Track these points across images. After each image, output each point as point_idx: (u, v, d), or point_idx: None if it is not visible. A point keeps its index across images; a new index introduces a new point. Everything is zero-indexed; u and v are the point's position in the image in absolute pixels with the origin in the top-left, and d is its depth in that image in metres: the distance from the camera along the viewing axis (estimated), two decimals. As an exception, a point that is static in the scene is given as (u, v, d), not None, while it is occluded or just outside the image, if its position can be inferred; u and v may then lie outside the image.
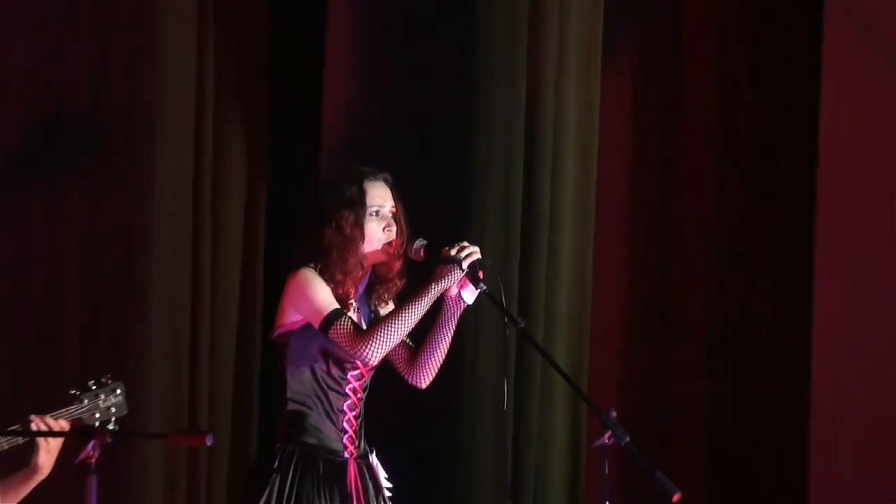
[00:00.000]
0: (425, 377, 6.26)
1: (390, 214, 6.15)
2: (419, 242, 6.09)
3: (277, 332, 6.16)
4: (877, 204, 9.15)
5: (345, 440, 6.14)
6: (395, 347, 6.12)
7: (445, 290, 6.05)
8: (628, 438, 5.58)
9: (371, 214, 6.08)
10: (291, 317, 6.11)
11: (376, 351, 5.91)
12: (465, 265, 5.89)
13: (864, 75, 9.34)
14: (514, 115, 8.84)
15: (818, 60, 9.16)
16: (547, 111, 9.09)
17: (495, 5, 8.91)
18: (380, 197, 6.18)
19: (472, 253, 5.96)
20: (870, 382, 8.99)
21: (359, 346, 5.92)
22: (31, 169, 8.63)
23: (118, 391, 5.33)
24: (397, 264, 6.16)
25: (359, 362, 6.13)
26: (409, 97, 8.81)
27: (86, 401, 5.25)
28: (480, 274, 5.97)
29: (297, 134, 8.97)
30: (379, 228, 6.09)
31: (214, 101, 8.70)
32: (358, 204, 6.12)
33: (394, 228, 6.13)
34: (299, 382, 6.12)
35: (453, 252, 5.94)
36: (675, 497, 5.43)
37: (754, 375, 9.35)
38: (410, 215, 6.40)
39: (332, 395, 6.14)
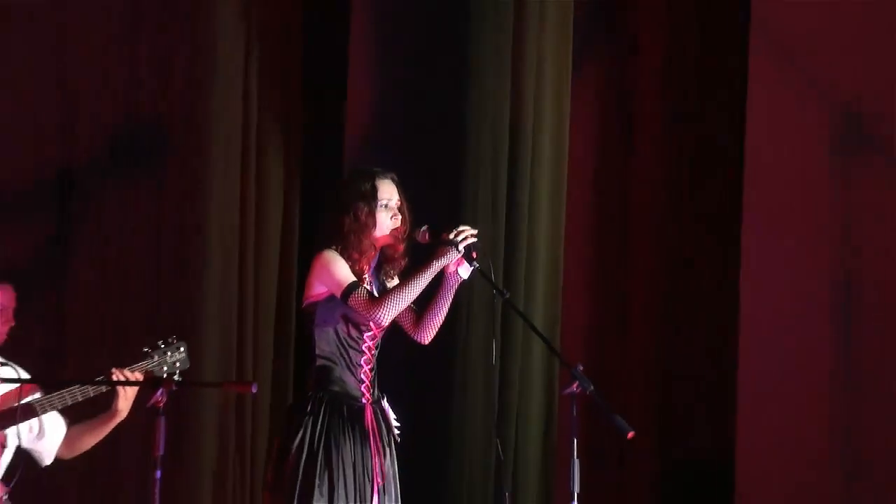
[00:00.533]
0: (427, 335, 6.47)
1: (396, 206, 6.35)
2: (424, 228, 6.26)
3: (306, 302, 6.35)
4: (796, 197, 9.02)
5: (362, 388, 6.29)
6: (403, 312, 6.35)
7: (445, 266, 6.23)
8: (592, 387, 5.76)
9: (381, 206, 6.30)
10: (317, 289, 6.27)
11: (387, 314, 6.14)
12: (461, 247, 6.06)
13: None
14: (501, 119, 9.03)
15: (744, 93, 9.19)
16: (527, 111, 9.26)
17: (483, 28, 9.05)
18: (388, 192, 6.37)
19: (469, 237, 6.12)
20: (791, 340, 8.86)
21: (373, 311, 6.13)
22: (110, 170, 9.08)
23: (181, 349, 6.12)
24: (401, 246, 6.38)
25: (372, 324, 6.24)
26: (414, 106, 9.07)
27: (156, 357, 6.01)
28: (474, 254, 6.14)
29: (325, 139, 9.29)
30: (387, 217, 6.30)
31: (257, 116, 9.13)
32: (371, 197, 6.31)
33: (399, 217, 6.35)
34: (325, 343, 6.27)
35: (451, 236, 6.12)
36: (630, 435, 5.78)
37: (691, 330, 9.38)
38: (414, 202, 6.56)
39: (351, 352, 6.28)
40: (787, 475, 8.73)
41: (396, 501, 6.45)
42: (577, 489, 5.77)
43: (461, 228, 6.15)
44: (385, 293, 6.27)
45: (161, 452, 5.30)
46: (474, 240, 6.11)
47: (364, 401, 6.27)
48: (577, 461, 5.78)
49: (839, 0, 9.22)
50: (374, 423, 6.28)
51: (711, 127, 9.66)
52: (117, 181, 9.12)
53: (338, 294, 6.13)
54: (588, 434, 7.07)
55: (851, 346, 8.87)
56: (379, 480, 6.33)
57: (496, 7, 9.22)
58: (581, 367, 6.00)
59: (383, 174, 6.47)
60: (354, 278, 6.10)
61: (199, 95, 9.05)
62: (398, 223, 6.32)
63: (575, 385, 5.83)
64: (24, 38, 9.24)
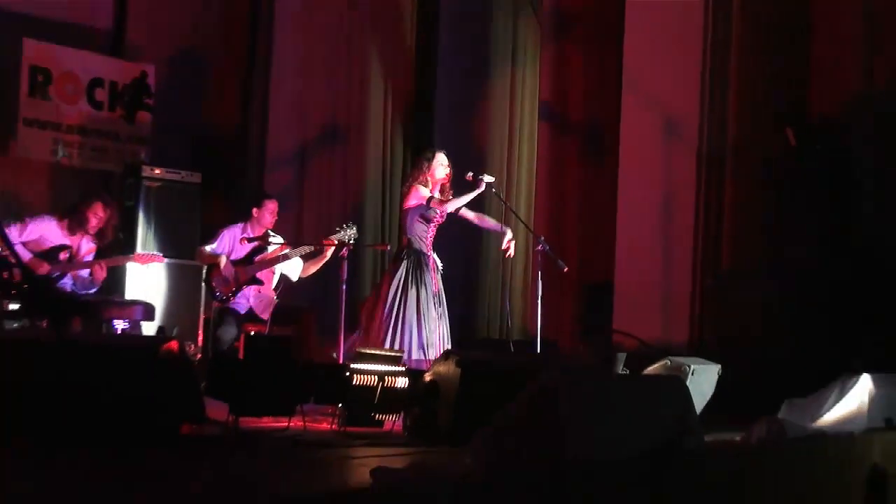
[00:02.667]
0: (481, 223, 9.25)
1: (445, 165, 8.88)
2: (470, 173, 8.80)
3: (404, 207, 8.95)
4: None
5: (427, 249, 8.79)
6: (465, 213, 8.98)
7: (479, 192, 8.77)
8: (548, 248, 9.00)
9: (438, 164, 8.85)
10: (411, 202, 8.80)
11: (448, 209, 8.72)
12: (487, 183, 8.73)
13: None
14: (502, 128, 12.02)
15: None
16: (517, 112, 12.15)
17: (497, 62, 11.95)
18: (443, 157, 8.93)
19: (493, 180, 8.84)
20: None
21: (443, 207, 8.67)
22: (308, 160, 12.89)
23: (354, 228, 9.07)
24: (449, 184, 8.90)
25: (435, 217, 8.73)
26: (451, 112, 12.14)
27: (340, 231, 9.05)
28: (496, 189, 8.99)
29: (421, 127, 12.87)
30: (443, 169, 8.87)
31: (392, 126, 12.79)
32: (433, 158, 8.90)
33: (447, 170, 8.87)
34: (412, 227, 8.78)
35: (484, 177, 8.74)
36: (565, 269, 9.09)
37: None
38: (456, 167, 8.99)
39: (423, 232, 8.77)
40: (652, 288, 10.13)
41: (443, 306, 8.81)
42: (539, 297, 8.82)
43: (485, 175, 8.83)
44: (449, 201, 8.72)
45: (345, 277, 8.59)
46: (491, 179, 8.79)
47: (428, 253, 8.80)
48: (539, 283, 8.99)
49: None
50: (434, 261, 8.82)
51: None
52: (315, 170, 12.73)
53: (423, 202, 8.65)
54: (546, 271, 9.15)
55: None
56: (434, 290, 8.68)
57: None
58: (543, 238, 9.24)
59: (440, 150, 9.12)
60: (430, 195, 8.72)
61: (360, 119, 12.55)
62: (447, 171, 8.85)
63: (540, 248, 9.09)
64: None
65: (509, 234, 8.83)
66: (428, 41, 12.59)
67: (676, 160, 9.99)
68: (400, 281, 8.51)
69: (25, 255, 8.63)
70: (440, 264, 8.87)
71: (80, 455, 3.95)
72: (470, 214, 8.93)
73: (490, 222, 9.14)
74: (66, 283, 8.94)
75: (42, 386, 4.60)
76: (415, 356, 8.19)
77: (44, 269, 8.73)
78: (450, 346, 8.35)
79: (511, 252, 8.96)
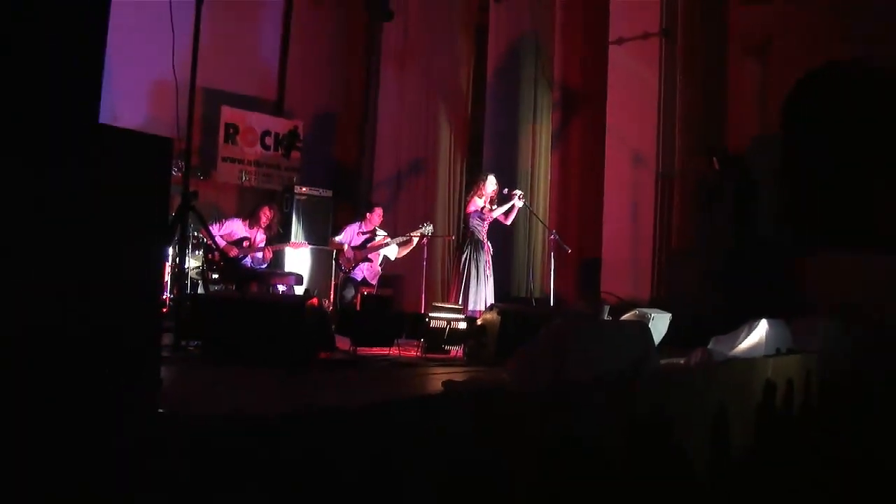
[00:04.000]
0: (507, 222, 8.97)
1: (494, 183, 8.84)
2: (507, 189, 8.91)
3: (467, 211, 8.86)
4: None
5: (483, 237, 8.68)
6: (499, 217, 8.82)
7: (514, 204, 8.84)
8: (557, 236, 9.09)
9: (489, 181, 8.85)
10: (470, 209, 8.77)
11: (494, 215, 8.72)
12: (518, 196, 8.88)
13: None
14: (523, 149, 11.83)
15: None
16: (537, 149, 11.89)
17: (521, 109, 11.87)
18: (492, 179, 8.91)
19: (522, 194, 8.95)
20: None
21: (490, 213, 8.67)
22: (402, 181, 12.82)
23: (430, 225, 9.38)
24: (495, 196, 8.83)
25: (486, 219, 8.69)
26: (494, 149, 11.86)
27: (422, 227, 9.30)
28: (521, 197, 8.91)
29: (474, 159, 12.54)
30: (492, 186, 8.82)
31: (455, 158, 12.49)
32: (486, 179, 8.91)
33: (496, 188, 8.83)
34: (472, 225, 8.71)
35: (516, 192, 8.90)
36: (569, 251, 9.11)
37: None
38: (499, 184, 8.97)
39: (480, 227, 8.68)
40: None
41: (491, 277, 8.66)
42: (552, 269, 8.95)
43: (518, 191, 8.98)
44: (493, 210, 8.69)
45: (425, 256, 9.01)
46: (521, 192, 8.94)
47: (484, 241, 8.67)
48: (552, 260, 9.06)
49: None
50: (487, 247, 8.69)
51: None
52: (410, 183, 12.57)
53: (478, 209, 8.67)
54: (556, 252, 9.14)
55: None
56: (487, 266, 8.58)
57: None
58: (554, 231, 9.40)
59: (491, 173, 9.15)
60: (483, 204, 8.71)
61: (429, 148, 12.47)
62: (493, 189, 8.77)
63: (552, 237, 9.24)
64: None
65: (517, 194, 8.85)
66: (478, 101, 12.49)
67: (641, 179, 9.94)
68: (466, 260, 8.45)
69: (221, 244, 8.70)
70: (492, 249, 8.73)
71: (259, 370, 4.01)
72: (500, 216, 8.80)
73: (511, 215, 8.89)
74: (247, 261, 8.93)
75: (232, 326, 4.69)
76: (471, 308, 8.10)
77: (233, 252, 8.78)
78: (493, 302, 8.23)
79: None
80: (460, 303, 8.15)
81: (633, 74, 10.05)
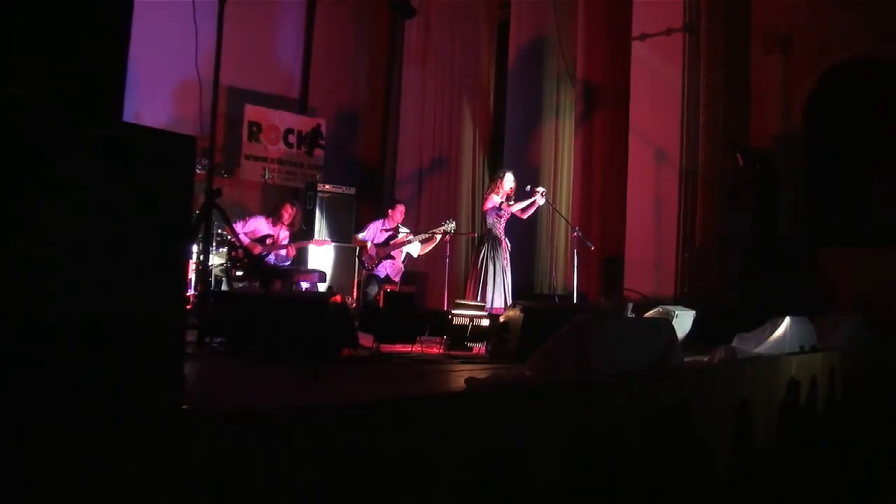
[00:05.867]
0: (525, 217, 8.86)
1: (512, 180, 8.67)
2: (529, 186, 8.79)
3: (484, 209, 8.70)
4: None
5: (500, 234, 8.51)
6: (518, 213, 8.72)
7: (535, 200, 8.77)
8: (580, 233, 9.13)
9: (507, 178, 8.67)
10: (487, 206, 8.63)
11: (511, 211, 8.58)
12: (540, 193, 8.77)
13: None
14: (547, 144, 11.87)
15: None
16: (559, 146, 11.91)
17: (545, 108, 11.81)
18: (510, 176, 8.71)
19: (545, 191, 8.85)
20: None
21: (507, 209, 8.53)
22: (424, 178, 12.83)
23: (453, 222, 9.28)
24: (513, 193, 8.66)
25: (504, 215, 8.54)
26: (515, 146, 11.82)
27: (444, 224, 9.24)
28: (543, 194, 8.79)
29: (495, 155, 12.48)
30: (509, 183, 8.65)
31: (477, 155, 12.44)
32: (504, 176, 8.70)
33: (514, 185, 8.68)
34: (490, 220, 8.55)
35: (539, 189, 8.79)
36: (592, 248, 9.22)
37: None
38: (520, 181, 8.80)
39: (497, 224, 8.53)
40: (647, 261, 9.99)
41: (509, 273, 8.49)
42: (575, 266, 8.85)
43: (541, 188, 8.89)
44: (510, 206, 8.54)
45: (448, 253, 8.93)
46: (543, 189, 8.85)
47: (501, 238, 8.51)
48: (575, 257, 8.97)
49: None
50: (505, 243, 8.51)
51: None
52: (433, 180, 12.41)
53: (496, 206, 8.51)
54: (579, 249, 9.02)
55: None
56: (505, 263, 8.40)
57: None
58: (577, 227, 9.30)
59: (509, 170, 8.88)
60: (500, 200, 8.55)
61: (453, 149, 12.27)
62: (510, 186, 8.61)
63: (575, 234, 9.17)
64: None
65: (540, 191, 8.77)
66: (500, 98, 12.50)
67: (665, 175, 9.92)
68: (483, 257, 8.36)
69: (245, 241, 8.71)
70: (509, 246, 8.64)
71: (282, 366, 4.01)
72: (518, 211, 8.72)
73: (529, 211, 8.83)
74: (271, 258, 8.94)
75: (256, 323, 4.68)
76: (489, 305, 7.98)
77: (257, 249, 8.78)
78: (511, 300, 8.19)
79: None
80: (478, 300, 8.10)
81: (657, 70, 10.00)
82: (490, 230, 8.53)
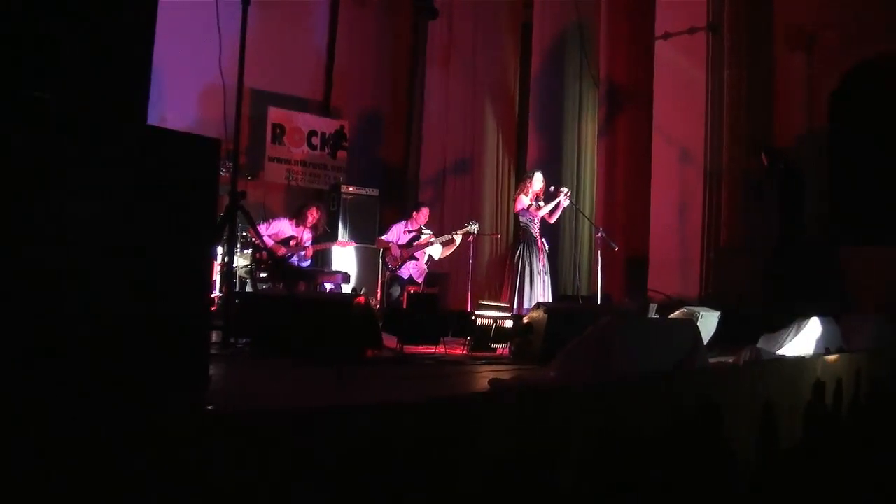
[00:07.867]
0: (552, 221, 8.79)
1: (541, 180, 8.71)
2: (553, 187, 8.77)
3: (516, 210, 8.72)
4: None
5: (536, 234, 8.51)
6: (546, 214, 8.65)
7: (560, 201, 8.73)
8: (603, 234, 8.99)
9: (536, 180, 8.71)
10: (517, 207, 8.65)
11: (542, 213, 8.56)
12: (564, 193, 8.75)
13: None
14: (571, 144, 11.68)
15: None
16: (583, 146, 11.80)
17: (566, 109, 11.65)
18: (539, 176, 8.76)
19: (569, 192, 8.83)
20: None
21: (538, 212, 8.51)
22: (447, 180, 12.69)
23: (476, 224, 9.30)
24: (542, 193, 8.68)
25: (535, 216, 8.54)
26: (539, 147, 11.62)
27: (467, 226, 9.25)
28: (567, 195, 8.79)
29: (520, 156, 12.40)
30: (539, 183, 8.70)
31: (501, 156, 12.40)
32: (533, 177, 8.75)
33: (543, 185, 8.69)
34: (524, 220, 8.55)
35: (563, 189, 8.79)
36: (616, 249, 9.08)
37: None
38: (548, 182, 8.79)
39: (531, 223, 8.54)
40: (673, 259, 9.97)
41: (548, 273, 8.51)
42: (599, 267, 8.75)
43: (565, 189, 8.87)
44: (540, 208, 8.51)
45: (471, 255, 8.88)
46: (567, 190, 8.81)
47: (537, 236, 8.52)
48: (599, 258, 8.88)
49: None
50: (541, 243, 8.52)
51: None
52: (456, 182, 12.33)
53: (525, 207, 8.54)
54: (603, 250, 8.90)
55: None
56: (542, 263, 8.37)
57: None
58: (601, 228, 9.21)
59: (538, 171, 8.91)
60: (529, 201, 8.57)
61: (474, 152, 12.14)
62: (539, 186, 8.62)
63: (599, 234, 9.08)
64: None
65: (564, 192, 8.72)
66: (524, 100, 12.45)
67: (689, 175, 9.93)
68: (519, 258, 8.34)
69: (269, 243, 8.72)
70: (546, 246, 8.62)
71: (307, 367, 4.01)
72: (546, 214, 8.66)
73: (556, 213, 8.74)
74: (294, 260, 8.97)
75: (280, 324, 4.71)
76: (527, 306, 7.86)
77: (281, 251, 8.81)
78: (551, 299, 8.22)
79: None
80: (515, 301, 8.07)
81: (680, 69, 9.98)
82: (525, 231, 8.51)
